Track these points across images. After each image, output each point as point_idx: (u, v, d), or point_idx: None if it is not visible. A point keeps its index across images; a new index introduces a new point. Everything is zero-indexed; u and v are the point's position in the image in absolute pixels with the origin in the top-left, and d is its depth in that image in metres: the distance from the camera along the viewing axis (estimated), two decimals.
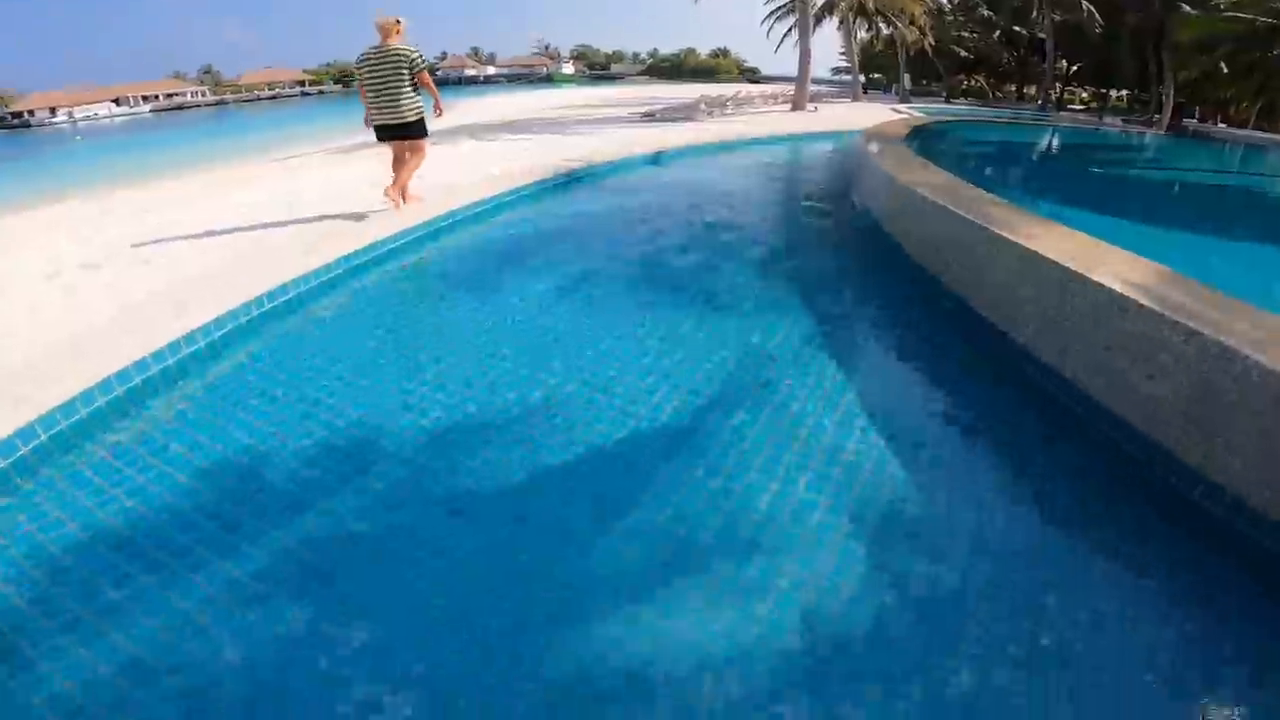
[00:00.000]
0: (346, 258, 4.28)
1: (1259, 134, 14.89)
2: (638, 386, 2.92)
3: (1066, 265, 2.63)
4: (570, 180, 7.02)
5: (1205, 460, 2.03)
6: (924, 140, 8.79)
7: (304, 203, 5.76)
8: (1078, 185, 8.82)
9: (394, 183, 5.16)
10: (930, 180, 4.46)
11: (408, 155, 5.16)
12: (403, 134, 5.02)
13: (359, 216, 5.07)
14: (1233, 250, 5.28)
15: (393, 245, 4.72)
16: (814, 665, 1.61)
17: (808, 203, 6.61)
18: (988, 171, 9.35)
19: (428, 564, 1.98)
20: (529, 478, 2.35)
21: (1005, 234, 3.09)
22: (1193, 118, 19.53)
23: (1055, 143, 13.44)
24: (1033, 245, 2.89)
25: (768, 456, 2.41)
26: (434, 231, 5.14)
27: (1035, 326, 2.86)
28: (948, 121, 13.07)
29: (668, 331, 3.46)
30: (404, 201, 5.25)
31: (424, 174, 5.59)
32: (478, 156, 8.45)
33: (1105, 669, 1.59)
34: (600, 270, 4.38)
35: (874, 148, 6.31)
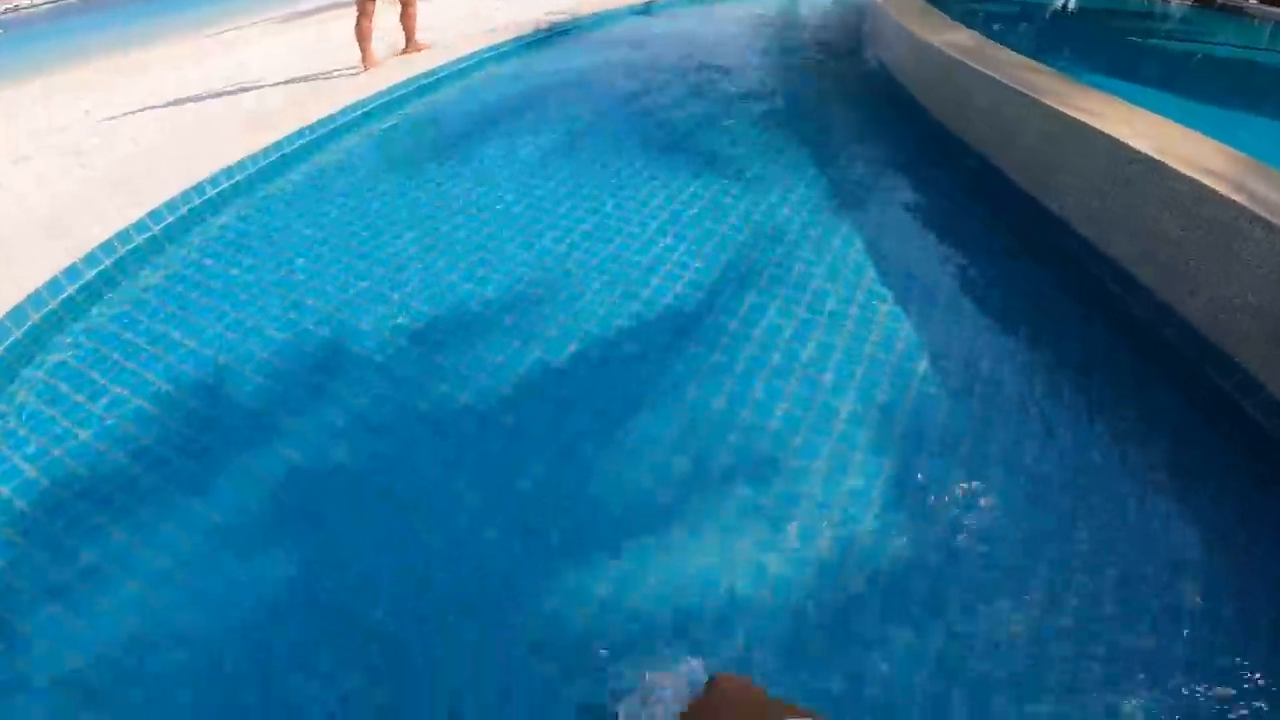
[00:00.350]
0: (306, 129, 3.86)
1: None
2: (639, 264, 2.73)
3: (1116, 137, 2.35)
4: (554, 34, 6.27)
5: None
6: None
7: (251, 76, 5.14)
8: (1095, 51, 8.02)
9: (369, 56, 5.06)
10: (956, 39, 3.97)
11: (402, 5, 5.17)
12: None
13: (324, 80, 4.54)
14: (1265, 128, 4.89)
15: (363, 111, 4.26)
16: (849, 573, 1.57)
17: (818, 57, 5.95)
18: (998, 29, 8.46)
19: (406, 484, 1.90)
20: (524, 376, 2.22)
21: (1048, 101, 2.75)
22: None
23: (1071, 4, 12.08)
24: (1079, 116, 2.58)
25: (788, 340, 2.28)
26: (403, 96, 4.64)
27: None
28: None
29: (665, 205, 3.20)
30: (414, 51, 5.33)
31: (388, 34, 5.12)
32: (453, 11, 7.49)
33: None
34: (591, 135, 4.01)
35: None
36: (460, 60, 5.20)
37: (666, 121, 4.26)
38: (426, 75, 4.86)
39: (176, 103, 5.12)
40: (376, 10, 4.87)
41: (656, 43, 6.03)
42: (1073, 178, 2.68)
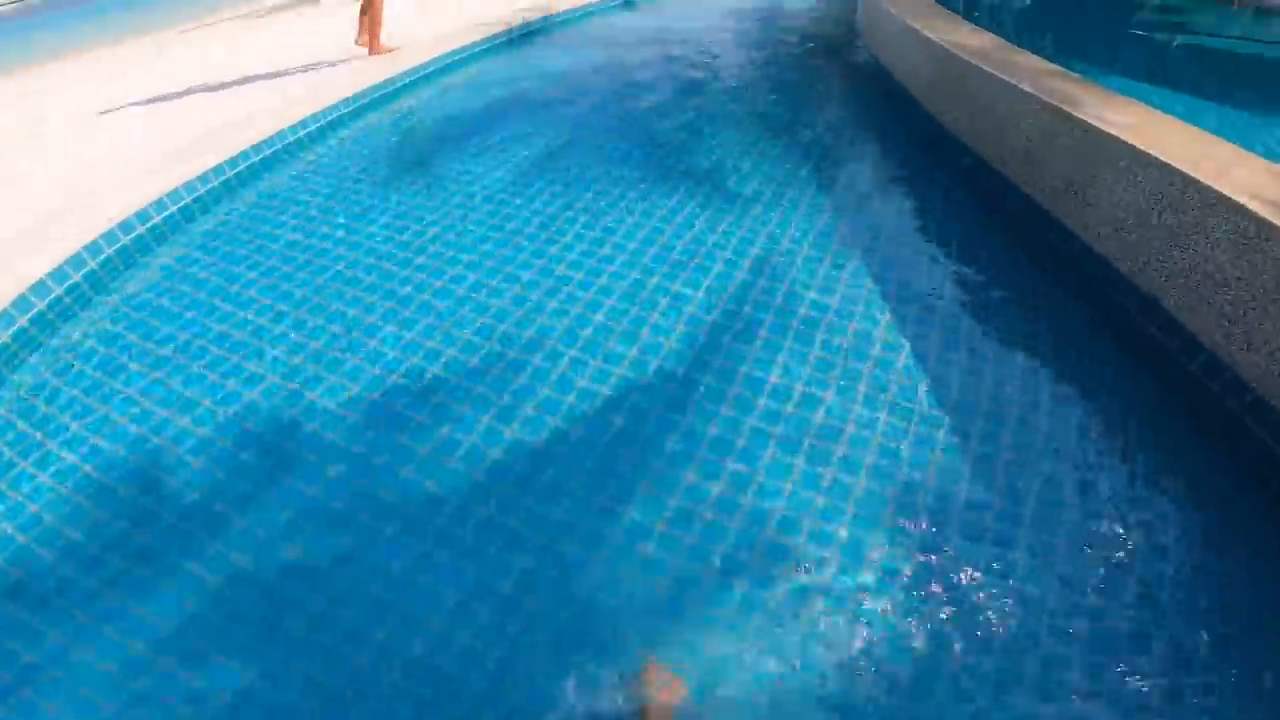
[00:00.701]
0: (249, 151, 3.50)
1: None
2: (626, 312, 2.46)
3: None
4: (526, 35, 5.88)
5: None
6: None
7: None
8: (1083, 39, 7.78)
9: (362, 30, 4.98)
10: (962, 40, 3.68)
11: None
12: None
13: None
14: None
15: (301, 134, 3.89)
16: None
17: (812, 60, 5.64)
18: (991, 17, 8.18)
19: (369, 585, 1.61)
20: (498, 460, 1.94)
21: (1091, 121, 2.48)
22: None
23: None
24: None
25: (795, 403, 2.01)
26: (360, 108, 4.28)
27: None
28: None
29: (654, 238, 2.92)
30: (384, 50, 5.06)
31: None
32: (412, 10, 7.05)
33: None
34: (566, 158, 3.65)
35: None
36: (418, 69, 4.78)
37: (648, 136, 3.91)
38: (379, 88, 4.44)
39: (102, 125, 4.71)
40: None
41: (634, 42, 5.65)
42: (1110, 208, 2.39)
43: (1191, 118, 2.37)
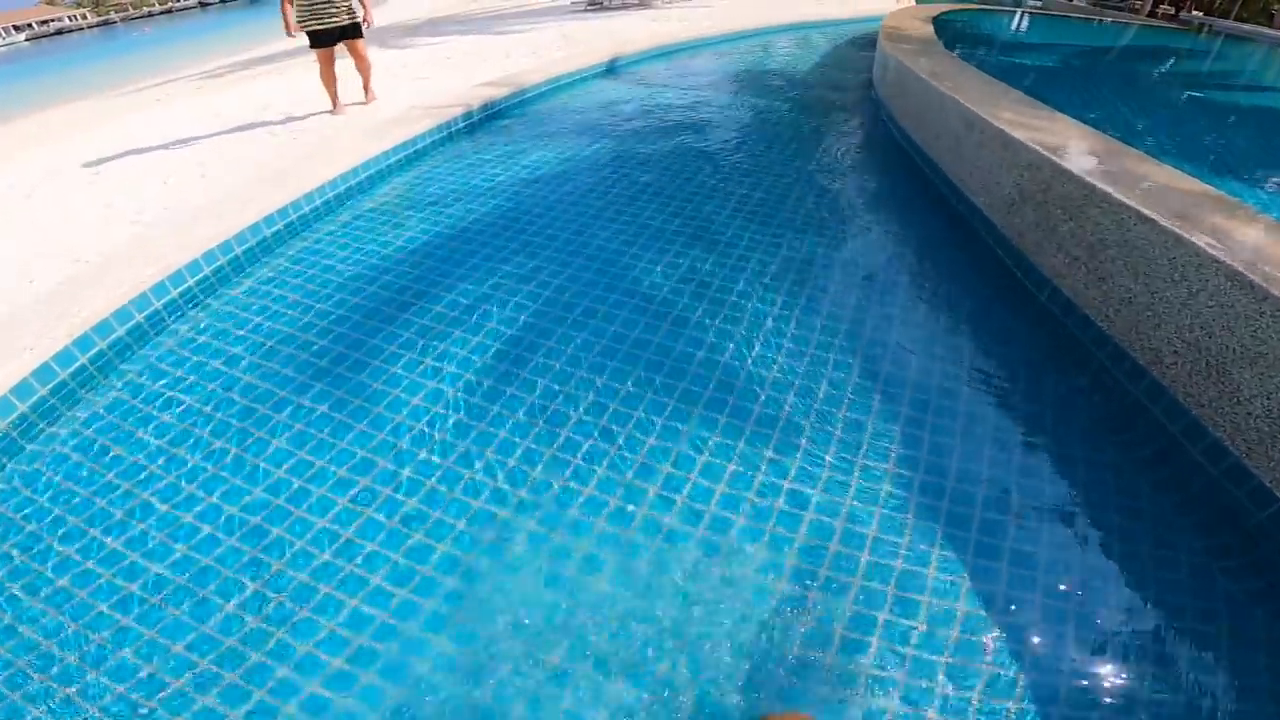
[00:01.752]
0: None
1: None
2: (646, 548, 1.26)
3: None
4: (490, 117, 4.87)
5: None
6: (952, 36, 6.69)
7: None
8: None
9: (336, 100, 5.23)
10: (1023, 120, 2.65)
11: (354, 58, 5.12)
12: (341, 37, 4.91)
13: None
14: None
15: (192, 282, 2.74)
16: None
17: (825, 132, 4.62)
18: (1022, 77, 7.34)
19: None
20: None
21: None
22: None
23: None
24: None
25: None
26: (292, 225, 3.17)
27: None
28: (978, 11, 10.64)
29: (670, 438, 1.74)
30: (368, 100, 5.37)
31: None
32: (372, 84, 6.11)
33: None
34: (536, 341, 2.50)
35: (912, 57, 4.32)
36: (337, 186, 3.66)
37: (650, 282, 2.82)
38: (298, 205, 3.37)
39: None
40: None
41: (622, 125, 4.64)
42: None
43: None
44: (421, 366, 2.33)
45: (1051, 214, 2.42)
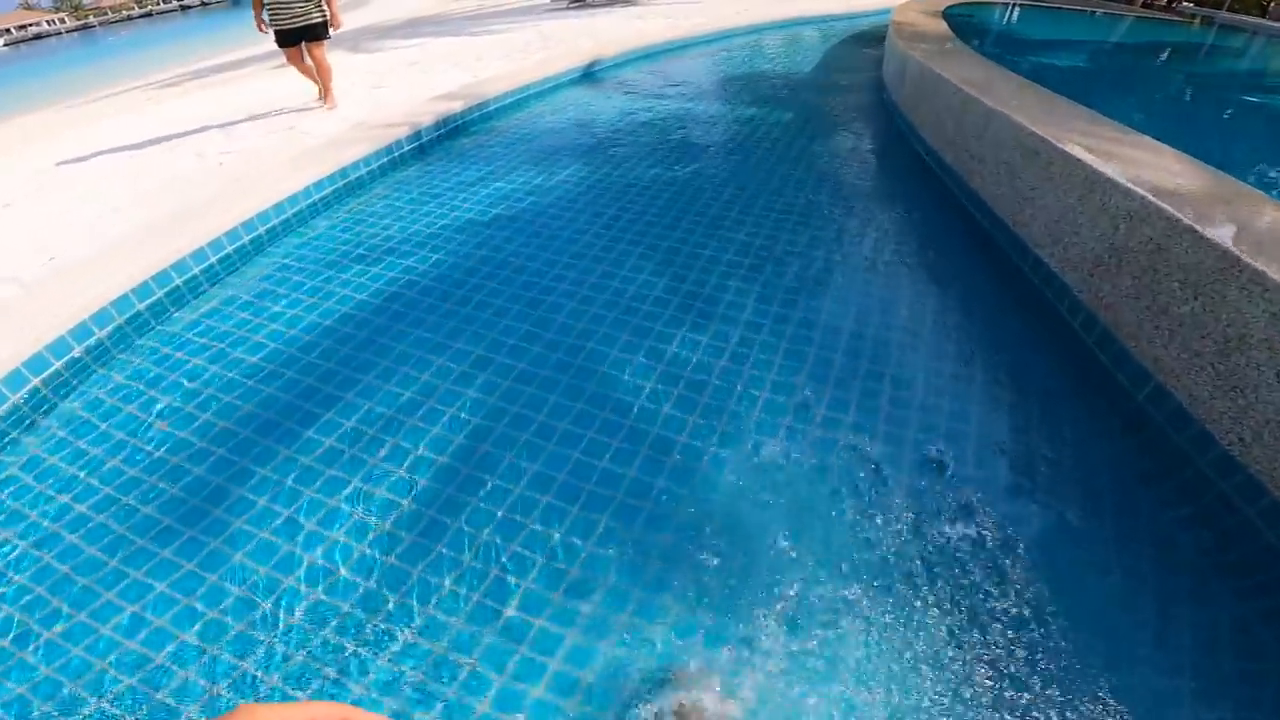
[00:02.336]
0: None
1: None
2: None
3: None
4: (446, 135, 4.19)
5: None
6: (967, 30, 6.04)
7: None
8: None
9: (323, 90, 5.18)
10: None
11: (314, 59, 4.95)
12: (305, 36, 4.83)
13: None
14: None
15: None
16: None
17: (827, 139, 3.97)
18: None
19: None
20: None
21: None
22: None
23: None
24: None
25: None
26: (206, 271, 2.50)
27: None
28: (982, 4, 9.96)
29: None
30: (328, 106, 5.14)
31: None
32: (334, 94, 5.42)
33: None
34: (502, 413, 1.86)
35: (937, 59, 3.68)
36: (253, 224, 2.98)
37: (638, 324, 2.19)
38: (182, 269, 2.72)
39: None
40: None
41: (595, 143, 3.97)
42: None
43: None
44: (320, 513, 1.68)
45: (1163, 286, 1.77)
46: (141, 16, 57.15)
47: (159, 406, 2.09)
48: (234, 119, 5.27)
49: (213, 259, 2.75)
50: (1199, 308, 1.66)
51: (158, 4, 59.90)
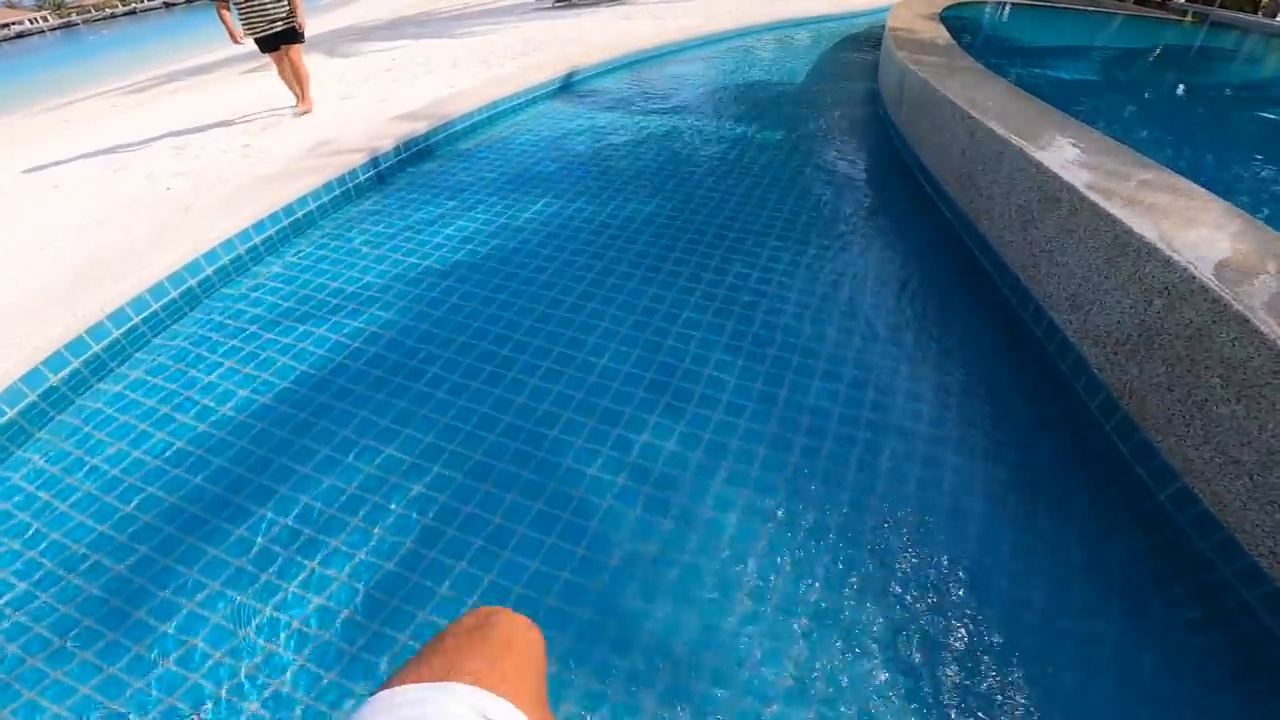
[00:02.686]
0: None
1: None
2: None
3: None
4: (400, 164, 3.87)
5: None
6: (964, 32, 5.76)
7: None
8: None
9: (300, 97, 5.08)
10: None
11: (291, 62, 4.87)
12: (280, 41, 4.75)
13: None
14: None
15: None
16: None
17: (825, 162, 3.70)
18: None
19: None
20: None
21: None
22: None
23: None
24: None
25: None
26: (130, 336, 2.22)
27: None
28: (978, 3, 9.63)
29: None
30: (302, 108, 5.05)
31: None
32: (277, 113, 5.10)
33: None
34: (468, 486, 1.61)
35: (936, 74, 3.42)
36: (163, 288, 2.65)
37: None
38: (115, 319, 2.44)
39: None
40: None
41: (570, 170, 3.68)
42: None
43: None
44: (254, 620, 1.45)
45: (1202, 381, 1.52)
46: (125, 14, 56.22)
47: (75, 497, 1.84)
48: (194, 130, 5.04)
49: (136, 319, 2.47)
50: (1242, 411, 1.41)
51: (141, 1, 58.94)
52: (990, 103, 2.84)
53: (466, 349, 2.30)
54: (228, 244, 2.82)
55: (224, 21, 4.56)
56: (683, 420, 1.94)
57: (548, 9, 11.04)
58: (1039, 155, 2.20)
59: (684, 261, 2.73)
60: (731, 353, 2.20)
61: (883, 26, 8.37)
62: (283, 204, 3.09)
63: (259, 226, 2.95)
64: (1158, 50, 6.82)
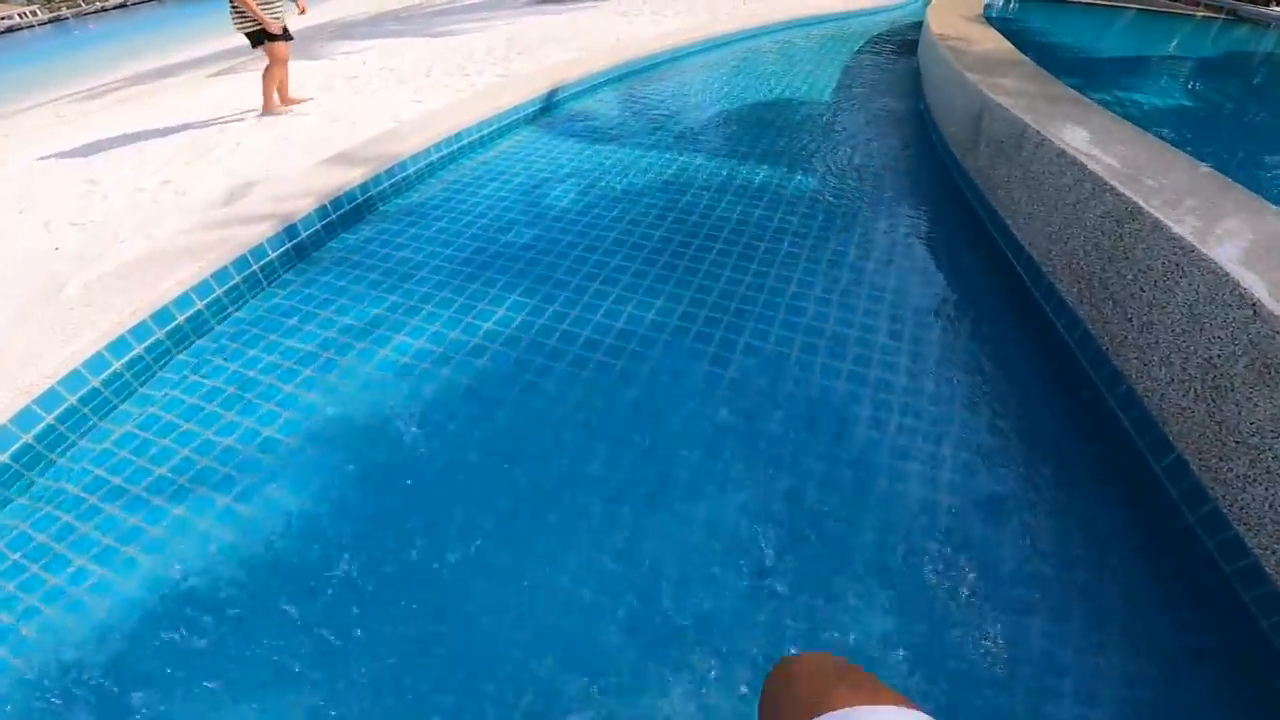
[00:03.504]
0: None
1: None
2: None
3: None
4: (327, 229, 2.97)
5: None
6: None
7: None
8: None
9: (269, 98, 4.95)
10: None
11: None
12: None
13: None
14: None
15: None
16: None
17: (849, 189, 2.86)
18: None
19: None
20: None
21: None
22: None
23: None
24: None
25: None
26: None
27: None
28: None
29: None
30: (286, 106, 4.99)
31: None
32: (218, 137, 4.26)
33: None
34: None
35: (1016, 101, 2.60)
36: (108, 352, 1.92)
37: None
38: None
39: None
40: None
41: (543, 225, 2.82)
42: None
43: None
44: None
45: None
46: (116, 8, 55.09)
47: None
48: (124, 150, 4.54)
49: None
50: None
51: None
52: (1144, 168, 1.96)
53: (390, 585, 1.49)
54: (75, 378, 1.98)
55: (253, 11, 4.47)
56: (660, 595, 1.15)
57: (539, 3, 10.18)
58: (1243, 277, 1.37)
59: (675, 410, 1.91)
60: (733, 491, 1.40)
61: (907, 26, 7.42)
62: (161, 304, 2.25)
63: (118, 346, 2.11)
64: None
